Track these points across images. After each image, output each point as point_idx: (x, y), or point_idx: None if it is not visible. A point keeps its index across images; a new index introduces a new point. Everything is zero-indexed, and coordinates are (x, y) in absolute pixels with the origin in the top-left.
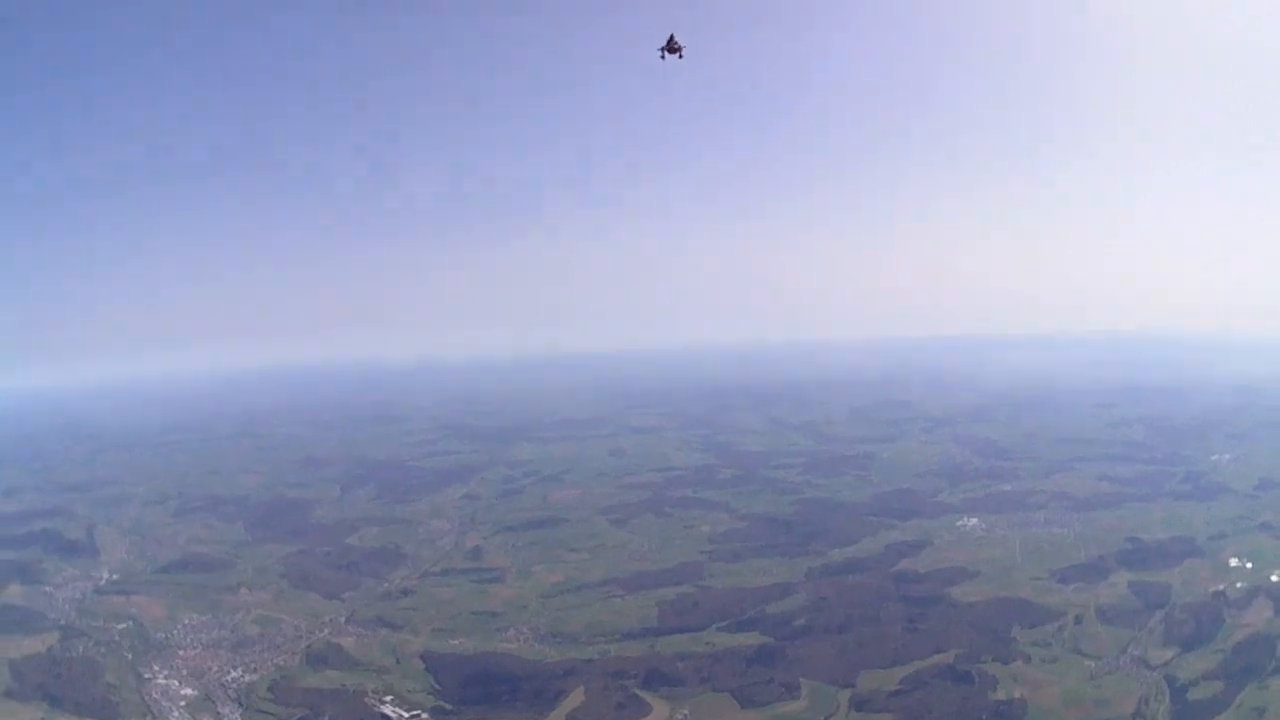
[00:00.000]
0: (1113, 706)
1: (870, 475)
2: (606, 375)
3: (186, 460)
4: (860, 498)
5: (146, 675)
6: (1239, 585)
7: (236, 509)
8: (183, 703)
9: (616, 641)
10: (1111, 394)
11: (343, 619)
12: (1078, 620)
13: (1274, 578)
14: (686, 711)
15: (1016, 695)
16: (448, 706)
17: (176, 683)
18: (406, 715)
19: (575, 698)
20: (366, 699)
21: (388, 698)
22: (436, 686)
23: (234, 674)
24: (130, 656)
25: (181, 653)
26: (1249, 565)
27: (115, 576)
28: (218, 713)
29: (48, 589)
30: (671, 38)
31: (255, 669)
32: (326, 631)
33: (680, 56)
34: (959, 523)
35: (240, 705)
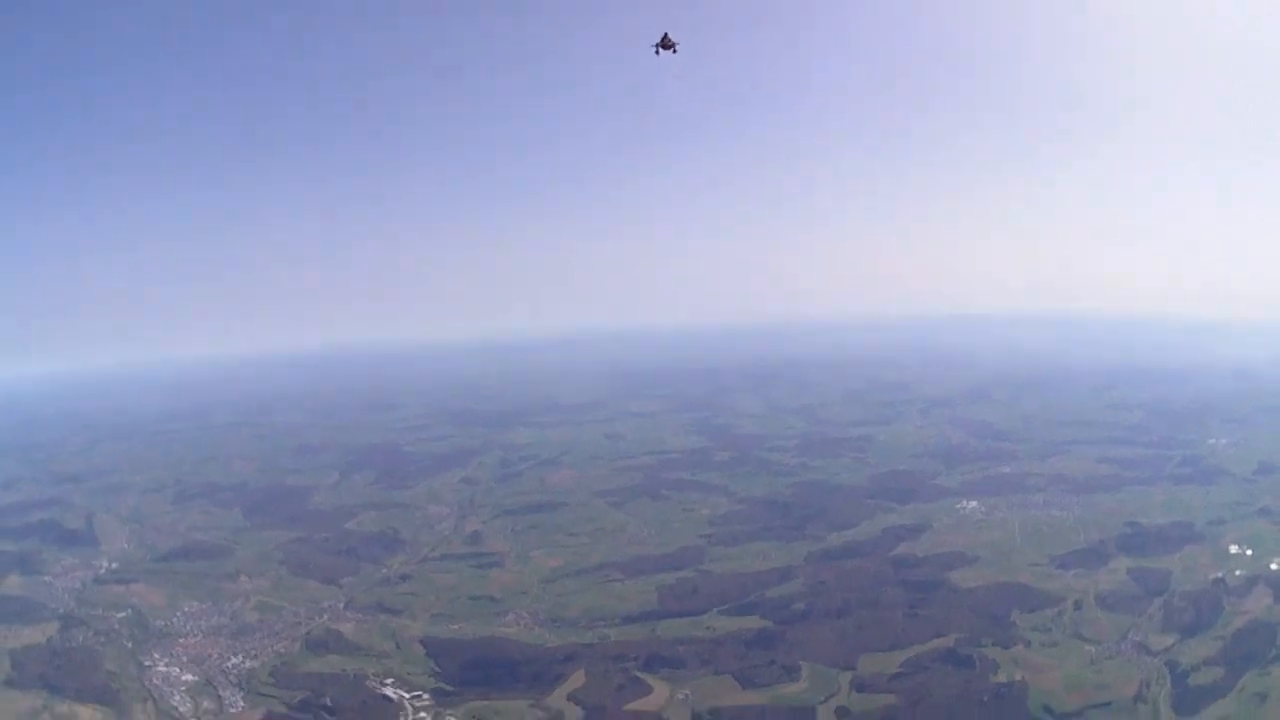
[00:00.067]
0: (1114, 690)
1: (868, 458)
2: (602, 356)
3: (184, 448)
4: (858, 480)
5: (147, 663)
6: (1238, 573)
7: (234, 496)
8: (183, 688)
9: (616, 625)
10: (1109, 376)
11: (342, 605)
12: (1078, 605)
13: (1273, 565)
14: (688, 692)
15: (1017, 678)
16: (449, 688)
17: (177, 669)
18: (408, 696)
19: (576, 680)
20: (368, 682)
21: (389, 680)
22: (437, 670)
23: (234, 660)
24: (130, 645)
25: (182, 640)
26: (1249, 552)
27: (114, 565)
28: (219, 697)
29: (47, 579)
30: (665, 35)
31: (256, 655)
32: (326, 617)
33: (674, 52)
34: (958, 506)
35: (241, 690)
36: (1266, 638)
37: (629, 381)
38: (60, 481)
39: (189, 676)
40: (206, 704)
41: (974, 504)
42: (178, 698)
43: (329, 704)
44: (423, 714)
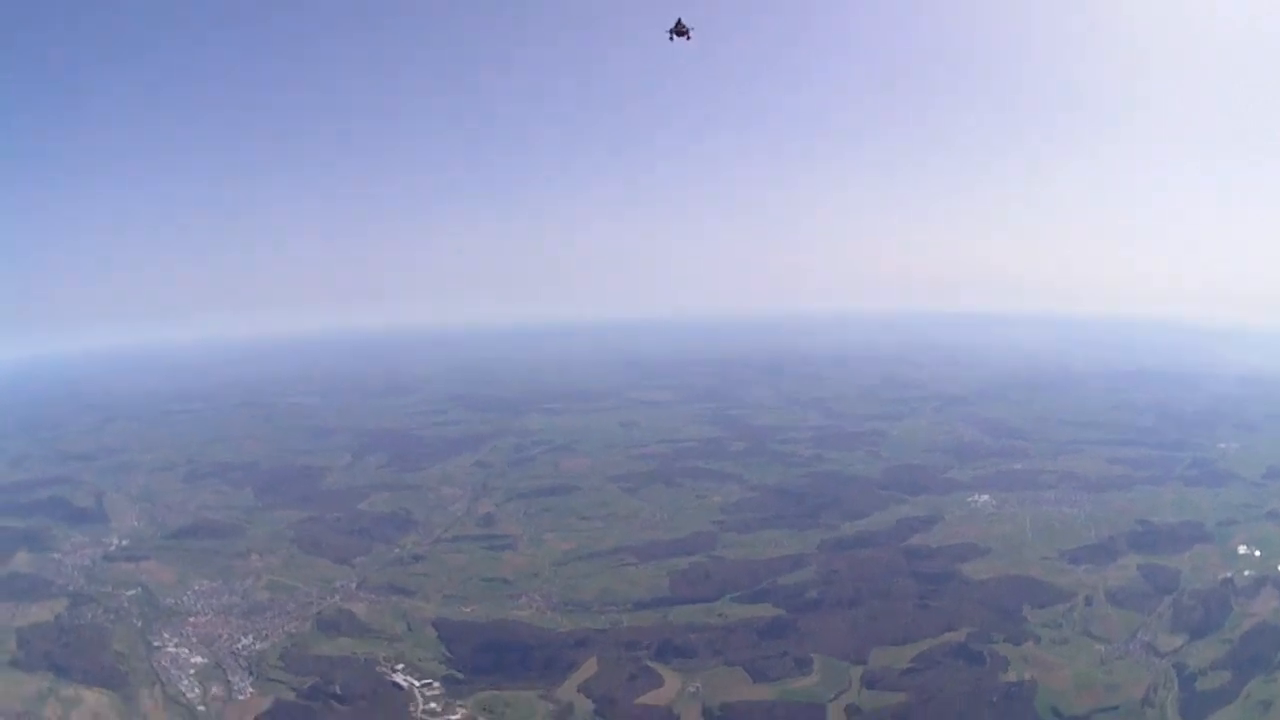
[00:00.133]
0: (1122, 693)
1: (881, 451)
2: (616, 346)
3: (195, 428)
4: (871, 472)
5: (156, 643)
6: (1247, 573)
7: (246, 476)
8: (192, 671)
9: (629, 611)
10: (1118, 378)
11: (354, 585)
12: (1088, 601)
13: None
14: (698, 684)
15: (1027, 677)
16: (459, 675)
17: (186, 650)
18: (418, 684)
19: (588, 669)
20: (378, 667)
21: (399, 666)
22: (448, 655)
23: (245, 641)
24: (139, 624)
25: (192, 619)
26: (1257, 553)
27: (125, 543)
28: (228, 681)
29: (56, 556)
30: (679, 21)
31: (266, 636)
32: (338, 598)
33: (689, 39)
34: (970, 499)
35: (251, 674)
36: (1273, 641)
37: (643, 371)
38: (70, 459)
39: (198, 658)
40: (215, 690)
41: (985, 498)
42: (186, 682)
43: (338, 691)
44: (433, 704)
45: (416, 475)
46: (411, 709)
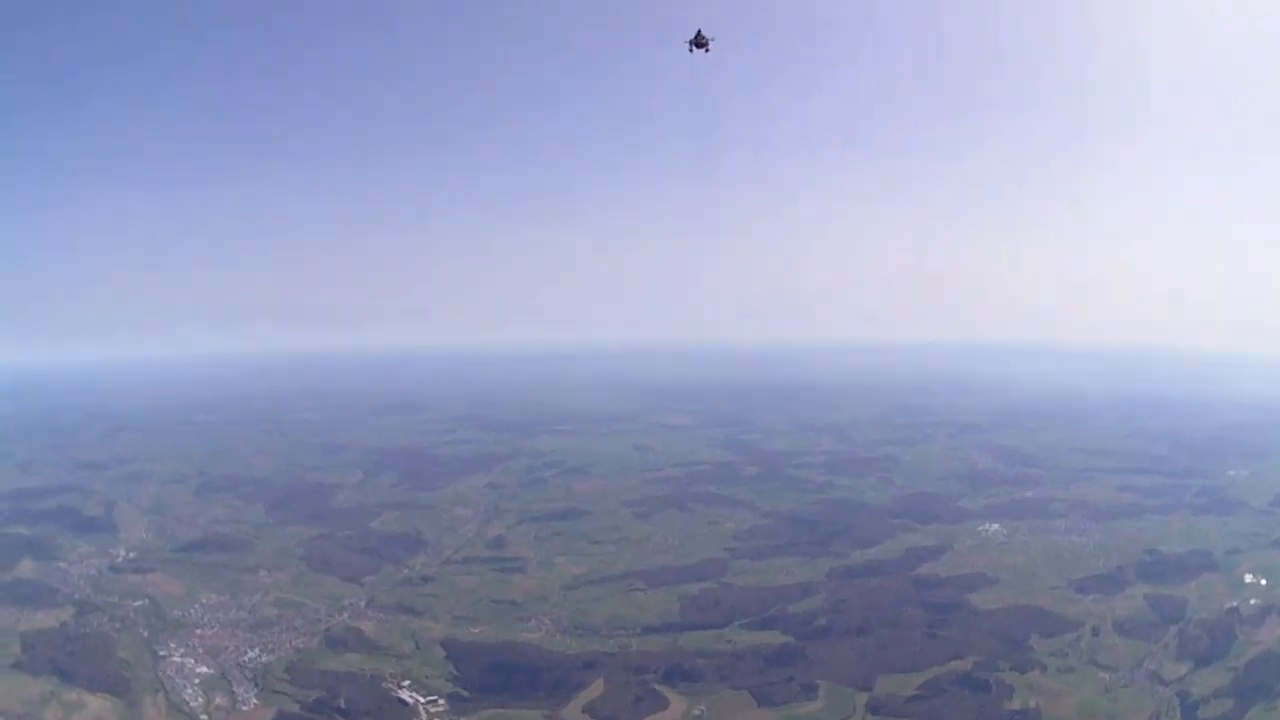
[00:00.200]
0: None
1: (893, 478)
2: (630, 371)
3: (207, 441)
4: (882, 500)
5: (162, 653)
6: (1252, 602)
7: (257, 491)
8: (197, 680)
9: (638, 635)
10: (1129, 407)
11: (362, 603)
12: (1095, 631)
13: None
14: (704, 708)
15: (1032, 705)
16: (465, 694)
17: (192, 661)
18: (424, 700)
19: (594, 689)
20: (384, 683)
21: (405, 682)
22: (455, 674)
23: (251, 654)
24: (145, 634)
25: (198, 631)
26: (1263, 582)
27: (133, 554)
28: (232, 692)
29: (62, 564)
30: (699, 32)
31: (273, 650)
32: (346, 615)
33: (707, 51)
34: (980, 528)
35: (256, 685)
36: (1276, 669)
37: (656, 395)
38: (80, 468)
39: (203, 669)
40: (219, 699)
41: (996, 527)
42: (190, 691)
43: (343, 705)
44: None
45: (428, 495)
46: None
